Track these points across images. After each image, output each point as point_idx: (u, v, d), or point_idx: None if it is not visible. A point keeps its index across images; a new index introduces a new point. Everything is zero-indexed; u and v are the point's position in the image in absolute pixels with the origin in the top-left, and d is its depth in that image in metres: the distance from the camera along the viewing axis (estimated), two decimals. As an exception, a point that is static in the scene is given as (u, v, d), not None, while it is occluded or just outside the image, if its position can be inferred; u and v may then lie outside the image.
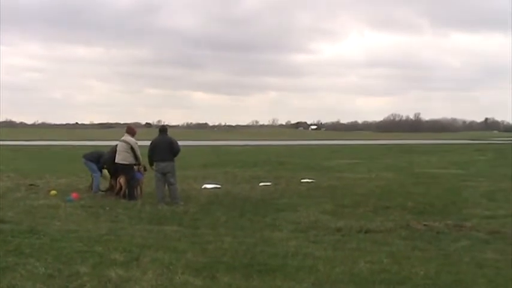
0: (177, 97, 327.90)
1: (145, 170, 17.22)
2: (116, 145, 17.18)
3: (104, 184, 18.19)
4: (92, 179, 18.26)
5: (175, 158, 16.44)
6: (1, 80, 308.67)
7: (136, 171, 16.99)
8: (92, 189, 18.07)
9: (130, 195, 16.37)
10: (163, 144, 16.21)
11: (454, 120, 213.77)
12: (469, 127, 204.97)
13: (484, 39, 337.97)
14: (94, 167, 17.98)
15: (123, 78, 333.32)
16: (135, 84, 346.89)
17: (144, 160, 16.88)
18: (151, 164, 16.39)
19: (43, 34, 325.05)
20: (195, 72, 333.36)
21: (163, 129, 16.89)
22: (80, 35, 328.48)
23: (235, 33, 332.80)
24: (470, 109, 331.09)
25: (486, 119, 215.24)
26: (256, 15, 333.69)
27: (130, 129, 17.36)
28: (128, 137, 16.83)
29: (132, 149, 16.58)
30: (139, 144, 16.90)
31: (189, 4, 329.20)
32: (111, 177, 17.52)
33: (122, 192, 16.55)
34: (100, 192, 17.63)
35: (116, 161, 16.74)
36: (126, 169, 16.63)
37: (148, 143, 16.54)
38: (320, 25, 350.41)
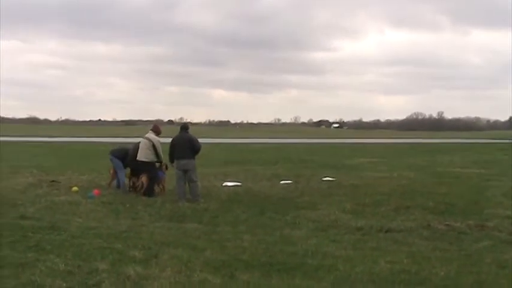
0: (198, 94, 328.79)
1: (167, 168, 17.27)
2: (139, 142, 17.27)
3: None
4: (112, 176, 18.37)
5: (196, 156, 16.45)
6: (22, 77, 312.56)
7: (158, 169, 17.08)
8: (109, 186, 18.26)
9: (149, 192, 16.40)
10: (184, 142, 16.22)
11: (477, 119, 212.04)
12: (493, 126, 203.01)
13: (506, 36, 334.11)
14: (120, 164, 18.02)
15: (143, 76, 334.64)
16: (154, 81, 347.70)
17: (165, 158, 16.91)
18: (171, 161, 16.43)
19: (62, 31, 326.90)
20: (214, 70, 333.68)
21: (184, 126, 16.89)
22: (98, 32, 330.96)
23: (254, 31, 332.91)
24: (494, 108, 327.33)
25: (510, 118, 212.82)
26: (275, 12, 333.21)
27: (156, 127, 17.40)
28: (151, 135, 16.92)
29: (153, 146, 16.64)
30: (162, 141, 16.96)
31: (208, 1, 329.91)
32: (131, 175, 17.58)
33: (143, 190, 16.61)
34: (121, 189, 17.65)
35: (137, 158, 16.82)
36: (147, 166, 16.69)
37: (170, 140, 16.56)
38: (340, 22, 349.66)
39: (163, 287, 7.46)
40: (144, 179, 16.70)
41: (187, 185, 16.24)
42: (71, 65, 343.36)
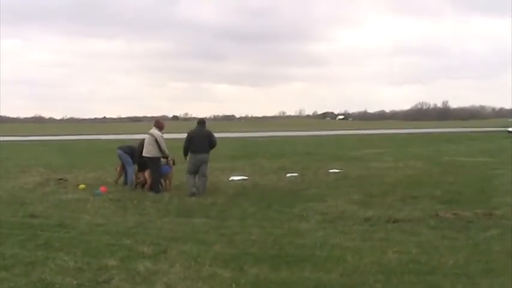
0: (202, 89, 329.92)
1: (174, 163, 17.25)
2: (144, 139, 17.29)
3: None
4: (119, 173, 18.40)
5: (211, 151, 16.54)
6: (26, 76, 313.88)
7: (165, 164, 17.10)
8: (116, 182, 18.29)
9: (155, 188, 16.41)
10: (202, 136, 16.34)
11: (482, 107, 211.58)
12: (499, 114, 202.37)
13: (510, 23, 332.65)
14: (129, 159, 17.98)
15: (147, 72, 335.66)
16: (158, 77, 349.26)
17: (177, 152, 16.90)
18: (185, 154, 16.43)
19: (65, 29, 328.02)
20: (217, 64, 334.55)
21: (201, 121, 17.04)
22: (101, 29, 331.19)
23: (256, 24, 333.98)
24: (498, 95, 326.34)
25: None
26: (277, 4, 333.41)
27: (158, 122, 17.42)
28: (154, 130, 16.91)
29: (156, 141, 16.64)
30: (167, 137, 16.97)
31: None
32: (138, 171, 17.60)
33: (147, 185, 16.65)
34: (128, 186, 17.66)
35: (143, 154, 16.85)
36: (150, 162, 16.72)
37: (176, 135, 16.59)
38: (341, 13, 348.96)
39: (173, 282, 7.48)
40: (147, 173, 16.78)
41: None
42: (75, 62, 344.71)
